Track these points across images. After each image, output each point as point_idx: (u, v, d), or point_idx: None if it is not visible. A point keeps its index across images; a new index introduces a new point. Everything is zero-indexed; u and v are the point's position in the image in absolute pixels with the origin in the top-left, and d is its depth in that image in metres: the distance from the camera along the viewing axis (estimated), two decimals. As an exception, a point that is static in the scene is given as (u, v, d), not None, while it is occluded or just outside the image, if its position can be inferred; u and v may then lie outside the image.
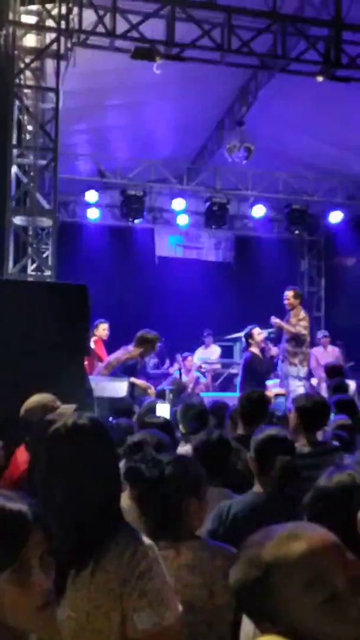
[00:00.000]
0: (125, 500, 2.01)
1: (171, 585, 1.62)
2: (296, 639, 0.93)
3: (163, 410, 3.81)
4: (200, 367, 10.38)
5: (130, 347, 6.90)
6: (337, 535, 1.05)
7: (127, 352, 6.91)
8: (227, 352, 10.93)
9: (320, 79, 7.05)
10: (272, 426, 3.23)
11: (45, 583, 1.13)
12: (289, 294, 8.42)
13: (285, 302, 8.40)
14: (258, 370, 7.88)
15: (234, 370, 10.30)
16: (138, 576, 1.53)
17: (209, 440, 2.89)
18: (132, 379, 6.74)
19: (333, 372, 7.44)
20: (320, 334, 10.71)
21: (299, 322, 8.36)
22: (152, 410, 3.97)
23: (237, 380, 8.88)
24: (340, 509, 1.51)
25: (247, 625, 1.62)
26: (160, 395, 6.57)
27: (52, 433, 1.68)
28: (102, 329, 8.77)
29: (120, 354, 6.96)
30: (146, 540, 1.62)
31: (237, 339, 10.18)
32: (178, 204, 11.21)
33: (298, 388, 8.29)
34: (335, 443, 3.96)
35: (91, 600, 1.53)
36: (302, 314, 8.47)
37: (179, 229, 11.95)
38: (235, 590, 1.09)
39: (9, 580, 1.10)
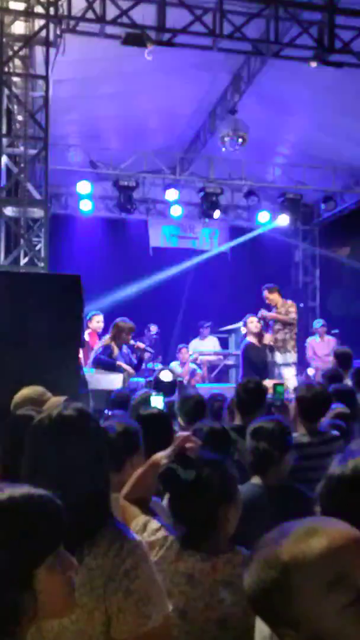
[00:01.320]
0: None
1: (159, 584, 1.54)
2: None
3: (157, 401, 3.74)
4: (195, 358, 10.32)
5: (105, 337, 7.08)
6: (358, 527, 0.97)
7: (101, 340, 7.07)
8: (222, 344, 10.88)
9: (313, 64, 6.96)
10: (270, 416, 3.18)
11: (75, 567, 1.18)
12: (265, 294, 8.51)
13: (267, 302, 8.47)
14: (253, 359, 7.88)
15: (229, 362, 10.25)
16: (124, 574, 1.45)
17: (212, 429, 2.83)
18: (118, 362, 6.79)
19: (343, 358, 7.29)
20: (318, 323, 10.68)
21: (288, 310, 8.44)
22: (145, 401, 3.90)
23: (236, 371, 8.92)
24: (358, 496, 1.44)
25: (262, 625, 1.54)
26: (155, 388, 6.53)
27: (36, 424, 1.60)
28: (96, 322, 8.73)
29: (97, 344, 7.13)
30: (134, 535, 1.54)
31: (233, 331, 10.14)
32: (171, 194, 11.11)
33: (292, 376, 8.32)
34: (335, 432, 3.92)
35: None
36: (288, 301, 8.59)
37: (173, 219, 11.86)
38: (250, 594, 1.00)
39: (50, 566, 1.14)
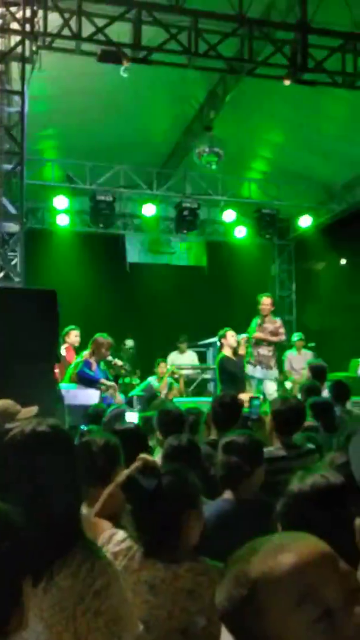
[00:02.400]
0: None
1: (130, 604, 1.53)
2: None
3: (132, 418, 3.73)
4: (172, 372, 10.31)
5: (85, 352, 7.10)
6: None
7: (82, 355, 7.07)
8: (200, 358, 10.90)
9: (287, 82, 7.08)
10: (242, 430, 3.18)
11: None
12: (269, 300, 8.54)
13: (265, 307, 8.50)
14: (232, 372, 7.91)
15: (207, 375, 10.26)
16: (94, 594, 1.43)
17: (179, 445, 2.82)
18: (101, 380, 6.78)
19: (318, 372, 7.39)
20: (296, 337, 10.76)
21: (279, 329, 8.51)
22: (118, 417, 3.89)
23: (213, 385, 8.93)
24: (318, 512, 1.45)
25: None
26: (129, 403, 6.53)
27: (8, 440, 1.57)
28: (74, 336, 8.71)
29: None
30: (105, 554, 1.53)
31: (211, 344, 10.17)
32: (148, 209, 11.15)
33: (274, 392, 8.36)
34: (311, 446, 3.93)
35: (42, 620, 1.43)
36: (278, 320, 8.68)
37: (149, 234, 11.89)
38: (221, 611, 0.99)
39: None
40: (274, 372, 8.55)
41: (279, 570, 0.92)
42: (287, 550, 0.94)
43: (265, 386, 8.31)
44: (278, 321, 8.69)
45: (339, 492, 1.55)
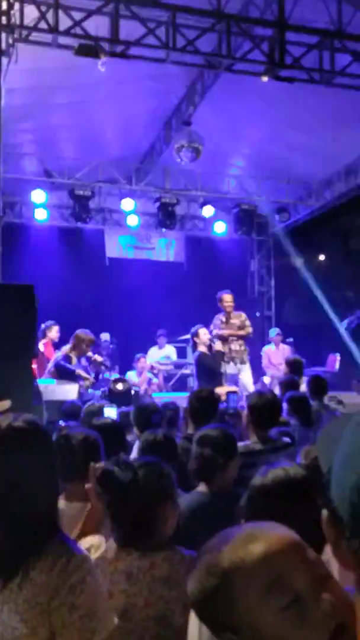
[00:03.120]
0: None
1: (106, 598, 1.55)
2: None
3: (110, 412, 3.74)
4: (152, 367, 10.32)
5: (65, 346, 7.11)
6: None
7: (60, 351, 7.08)
8: (180, 353, 10.93)
9: (265, 79, 7.10)
10: (218, 425, 3.20)
11: None
12: (230, 297, 8.62)
13: (228, 304, 8.58)
14: (210, 367, 7.96)
15: (186, 371, 10.30)
16: (69, 589, 1.44)
17: (155, 439, 2.84)
18: (77, 370, 6.80)
19: (293, 366, 7.49)
20: (273, 332, 10.86)
21: (244, 322, 8.59)
22: (96, 413, 3.89)
23: (192, 380, 8.98)
24: (278, 504, 1.48)
25: (194, 628, 1.56)
26: (108, 397, 6.55)
27: None
28: (54, 331, 8.68)
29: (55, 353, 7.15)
30: (81, 550, 1.54)
31: (189, 340, 10.20)
32: (127, 204, 11.13)
33: (252, 384, 8.45)
34: (287, 439, 3.98)
35: (18, 614, 1.43)
36: (242, 314, 8.76)
37: (129, 229, 11.87)
38: (193, 601, 1.01)
39: None
40: (248, 366, 8.64)
41: (249, 559, 0.94)
42: (257, 540, 0.96)
43: (242, 380, 8.38)
44: (242, 315, 8.79)
45: (300, 485, 1.58)
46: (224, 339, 8.41)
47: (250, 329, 8.72)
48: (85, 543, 2.02)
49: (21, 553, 1.47)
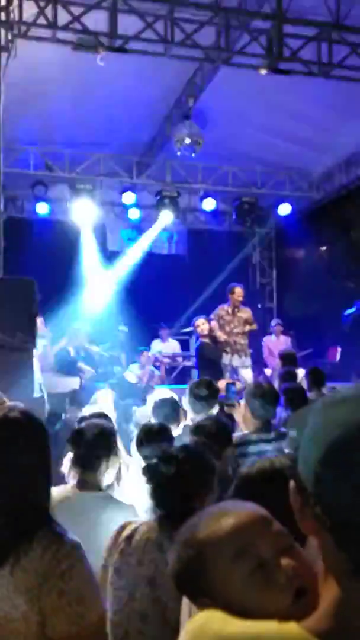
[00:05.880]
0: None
1: (96, 584, 1.61)
2: (231, 611, 0.96)
3: (107, 404, 3.81)
4: (155, 359, 10.39)
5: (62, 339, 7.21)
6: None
7: (58, 344, 7.17)
8: (183, 346, 11.00)
9: (263, 72, 7.13)
10: (212, 415, 3.27)
11: None
12: (242, 291, 8.66)
13: (238, 297, 8.60)
14: (210, 358, 8.03)
15: (188, 363, 10.36)
16: (59, 575, 1.50)
17: (151, 429, 2.91)
18: (80, 364, 6.88)
19: (287, 359, 7.61)
20: (274, 322, 10.91)
21: (250, 319, 8.65)
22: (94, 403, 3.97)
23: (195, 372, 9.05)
24: (262, 494, 1.55)
25: (185, 607, 1.64)
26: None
27: None
28: (39, 323, 8.75)
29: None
30: (72, 538, 1.59)
31: (192, 333, 10.27)
32: (128, 197, 11.16)
33: (251, 378, 8.51)
34: (284, 430, 4.05)
35: (9, 600, 1.49)
36: (248, 309, 8.82)
37: (130, 222, 11.91)
38: (173, 573, 1.11)
39: None
40: (249, 360, 8.70)
41: (220, 531, 1.04)
42: (228, 515, 1.07)
43: (241, 373, 8.44)
44: (249, 311, 8.85)
45: (284, 475, 1.65)
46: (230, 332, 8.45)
47: (255, 326, 8.80)
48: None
49: (12, 540, 1.53)
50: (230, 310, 8.63)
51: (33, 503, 1.59)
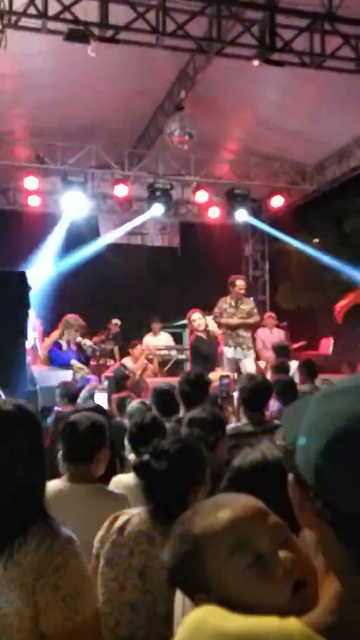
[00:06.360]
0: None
1: (90, 579, 1.61)
2: (229, 606, 0.93)
3: (101, 399, 3.80)
4: (149, 353, 10.38)
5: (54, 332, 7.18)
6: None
7: (50, 337, 7.14)
8: (176, 339, 10.99)
9: (256, 62, 7.08)
10: (205, 408, 3.26)
11: None
12: (244, 283, 8.65)
13: (240, 289, 8.57)
14: (204, 352, 8.02)
15: (182, 356, 10.36)
16: (53, 570, 1.50)
17: (143, 423, 2.91)
18: (72, 361, 6.85)
19: (280, 351, 7.63)
20: (267, 314, 10.92)
21: (253, 310, 8.63)
22: (91, 396, 3.96)
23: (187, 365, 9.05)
24: (254, 486, 1.54)
25: (178, 601, 1.64)
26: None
27: None
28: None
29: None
30: (66, 532, 1.59)
31: (185, 326, 10.25)
32: (120, 190, 11.12)
33: (253, 368, 8.50)
34: (277, 422, 4.05)
35: (3, 595, 1.49)
36: (251, 301, 8.78)
37: (122, 215, 11.86)
38: (169, 568, 1.10)
39: None
40: (253, 353, 8.67)
41: (216, 525, 1.03)
42: (223, 508, 1.06)
43: (244, 365, 8.40)
44: (251, 302, 8.81)
45: (276, 466, 1.65)
46: (233, 329, 8.40)
47: (258, 317, 8.73)
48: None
49: (6, 535, 1.52)
50: (232, 302, 8.58)
51: (28, 497, 1.59)
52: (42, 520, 1.58)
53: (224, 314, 8.47)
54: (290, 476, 0.87)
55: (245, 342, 8.47)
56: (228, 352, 8.41)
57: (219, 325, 8.41)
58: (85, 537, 1.86)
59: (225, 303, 8.57)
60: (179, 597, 1.62)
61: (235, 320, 8.37)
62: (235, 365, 8.35)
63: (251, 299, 8.87)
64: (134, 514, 2.05)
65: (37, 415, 1.74)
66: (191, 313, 8.20)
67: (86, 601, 1.53)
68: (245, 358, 8.46)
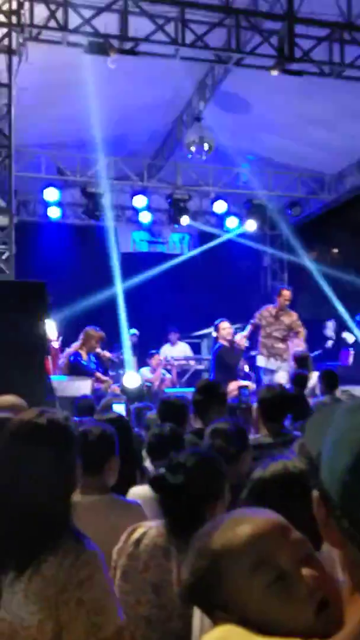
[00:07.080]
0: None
1: (114, 595, 1.58)
2: (249, 625, 0.90)
3: (119, 408, 3.77)
4: (167, 363, 10.36)
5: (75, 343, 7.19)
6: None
7: (71, 347, 7.17)
8: (194, 349, 10.95)
9: (274, 72, 7.09)
10: (229, 418, 3.22)
11: None
12: (289, 294, 8.61)
13: (285, 300, 8.53)
14: (227, 362, 7.97)
15: (200, 366, 10.32)
16: (77, 584, 1.48)
17: (161, 434, 2.87)
18: (97, 374, 6.86)
19: (301, 361, 7.53)
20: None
21: (295, 323, 8.52)
22: (107, 408, 3.93)
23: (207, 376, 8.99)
24: (275, 498, 1.51)
25: (197, 619, 1.60)
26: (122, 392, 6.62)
27: (4, 430, 1.62)
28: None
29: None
30: (92, 546, 1.56)
31: (205, 335, 10.21)
32: (139, 201, 11.16)
33: (285, 381, 8.41)
34: (297, 433, 3.99)
35: (27, 606, 1.47)
36: (294, 314, 8.67)
37: (141, 226, 11.91)
38: (187, 584, 1.06)
39: None
40: (286, 366, 8.57)
41: (237, 540, 0.99)
42: (243, 523, 1.01)
43: (276, 377, 8.32)
44: (294, 314, 8.67)
45: (297, 478, 1.61)
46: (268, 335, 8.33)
47: (300, 329, 8.54)
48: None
49: (33, 547, 1.51)
50: (274, 312, 8.52)
51: (55, 510, 1.57)
52: (68, 532, 1.56)
53: (263, 321, 8.42)
54: (315, 493, 0.83)
55: (279, 353, 8.40)
56: (261, 360, 8.36)
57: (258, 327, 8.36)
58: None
59: (267, 312, 8.54)
60: (197, 615, 1.58)
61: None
62: (270, 375, 8.30)
63: (294, 313, 8.70)
64: (152, 527, 2.02)
65: (69, 428, 1.70)
66: (221, 322, 8.17)
67: (109, 617, 1.50)
68: (279, 370, 8.37)
